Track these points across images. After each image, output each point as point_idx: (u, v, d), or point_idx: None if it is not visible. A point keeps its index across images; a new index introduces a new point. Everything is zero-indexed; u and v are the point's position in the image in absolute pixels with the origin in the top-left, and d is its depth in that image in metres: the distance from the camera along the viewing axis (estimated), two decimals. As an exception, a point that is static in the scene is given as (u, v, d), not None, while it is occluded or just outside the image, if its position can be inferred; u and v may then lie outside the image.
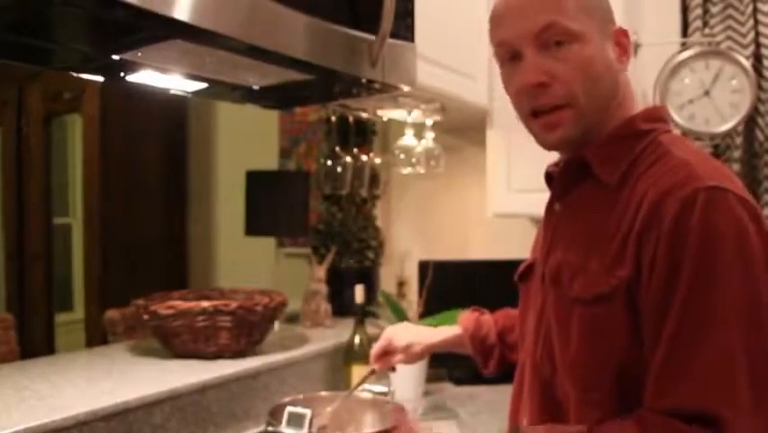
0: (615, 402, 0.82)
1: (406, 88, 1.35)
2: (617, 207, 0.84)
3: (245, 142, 3.15)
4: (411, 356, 1.29)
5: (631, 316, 0.80)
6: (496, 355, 1.25)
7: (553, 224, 0.97)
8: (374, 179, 2.15)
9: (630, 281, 0.79)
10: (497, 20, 0.92)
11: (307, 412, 1.13)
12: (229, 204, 3.07)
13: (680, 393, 0.74)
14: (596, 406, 0.83)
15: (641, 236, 0.79)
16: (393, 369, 1.35)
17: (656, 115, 0.93)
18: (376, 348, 1.30)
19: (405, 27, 1.33)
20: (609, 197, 0.86)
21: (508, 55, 0.91)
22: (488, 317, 1.29)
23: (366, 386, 1.32)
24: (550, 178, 1.01)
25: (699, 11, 1.83)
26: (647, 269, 0.78)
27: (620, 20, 1.74)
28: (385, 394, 1.34)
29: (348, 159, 2.01)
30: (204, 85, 1.22)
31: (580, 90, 0.86)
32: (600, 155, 0.89)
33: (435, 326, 1.35)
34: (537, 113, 0.89)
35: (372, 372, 1.31)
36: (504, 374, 1.80)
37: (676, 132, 1.76)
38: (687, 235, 0.75)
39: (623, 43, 0.92)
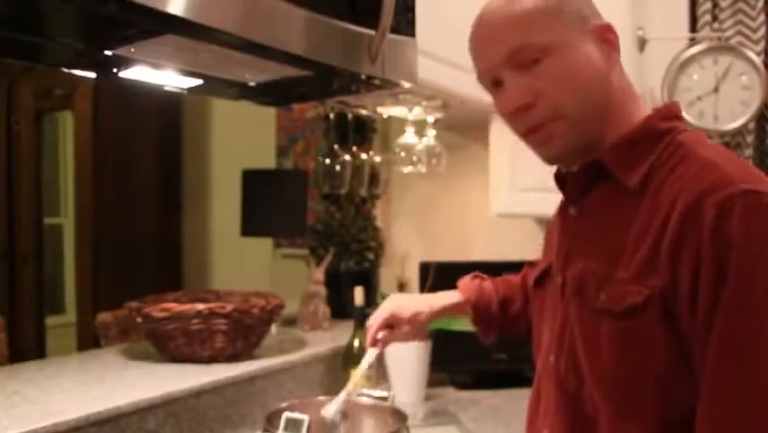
0: (654, 414, 0.79)
1: (406, 85, 1.35)
2: (640, 212, 0.81)
3: (241, 139, 3.14)
4: (418, 325, 1.21)
5: (668, 326, 0.76)
6: (496, 326, 1.22)
7: (569, 229, 0.94)
8: (374, 178, 2.12)
9: (665, 291, 0.76)
10: (472, 51, 0.92)
11: (305, 418, 1.10)
12: (225, 203, 3.05)
13: None
14: (633, 420, 0.80)
15: (675, 245, 0.75)
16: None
17: (673, 113, 0.90)
18: (378, 323, 1.19)
19: (405, 22, 1.33)
20: (631, 201, 0.83)
21: (490, 83, 0.91)
22: (489, 285, 1.24)
23: (365, 390, 1.29)
24: (560, 179, 0.98)
25: (708, 5, 1.82)
26: (688, 280, 0.74)
27: (626, 14, 1.77)
28: (385, 399, 1.32)
29: (347, 157, 1.99)
30: (199, 81, 1.21)
31: (569, 101, 0.85)
32: (618, 156, 0.86)
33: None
34: (529, 131, 0.89)
35: (381, 354, 1.21)
36: (505, 379, 1.81)
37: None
38: (729, 245, 0.72)
39: (609, 39, 0.88)
